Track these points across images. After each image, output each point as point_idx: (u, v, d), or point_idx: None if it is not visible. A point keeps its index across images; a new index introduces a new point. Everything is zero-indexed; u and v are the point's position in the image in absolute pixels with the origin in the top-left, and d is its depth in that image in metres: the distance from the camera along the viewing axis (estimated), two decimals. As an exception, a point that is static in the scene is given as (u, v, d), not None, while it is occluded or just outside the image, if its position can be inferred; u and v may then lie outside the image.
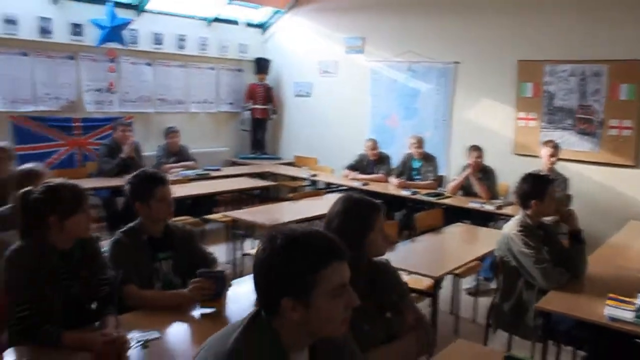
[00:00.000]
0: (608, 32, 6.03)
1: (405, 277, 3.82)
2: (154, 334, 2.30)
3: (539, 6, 6.47)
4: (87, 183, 6.02)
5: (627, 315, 2.73)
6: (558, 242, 3.50)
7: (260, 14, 9.06)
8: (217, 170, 7.14)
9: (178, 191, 5.76)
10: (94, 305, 2.45)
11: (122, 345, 2.13)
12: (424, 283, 3.69)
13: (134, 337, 2.26)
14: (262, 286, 1.45)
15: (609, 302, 2.84)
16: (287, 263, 1.40)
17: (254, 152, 8.82)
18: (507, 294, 3.41)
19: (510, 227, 3.41)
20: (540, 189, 3.36)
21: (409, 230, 4.77)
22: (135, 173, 2.96)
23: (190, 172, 6.65)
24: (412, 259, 3.86)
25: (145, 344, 2.23)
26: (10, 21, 6.44)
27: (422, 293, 3.67)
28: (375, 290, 2.18)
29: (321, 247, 1.43)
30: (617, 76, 6.05)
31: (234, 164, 8.43)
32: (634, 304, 2.79)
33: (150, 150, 7.12)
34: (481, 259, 4.09)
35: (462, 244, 4.47)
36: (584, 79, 6.26)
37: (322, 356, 1.56)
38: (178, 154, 6.99)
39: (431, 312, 3.52)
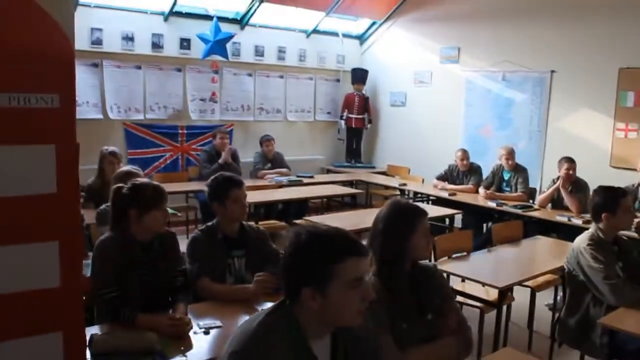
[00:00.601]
0: None
1: (469, 286, 3.90)
2: (216, 323, 2.53)
3: (643, 12, 6.20)
4: (188, 186, 6.55)
5: (698, 336, 2.64)
6: (635, 258, 3.40)
7: (357, 26, 9.28)
8: (310, 177, 7.38)
9: (270, 196, 6.18)
10: (168, 294, 2.75)
11: (184, 328, 2.40)
12: (493, 294, 3.71)
13: (199, 323, 2.52)
14: (286, 276, 1.63)
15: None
16: (308, 255, 1.57)
17: (349, 160, 9.02)
18: (574, 309, 3.35)
19: (581, 241, 3.36)
20: (611, 201, 3.28)
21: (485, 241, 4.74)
22: (213, 177, 3.26)
23: (283, 179, 6.95)
24: (480, 268, 3.89)
25: (207, 330, 2.47)
26: (129, 38, 7.08)
27: (487, 303, 3.68)
28: (418, 292, 2.29)
29: (340, 243, 1.59)
30: None
31: (329, 171, 8.68)
32: None
33: (249, 156, 7.52)
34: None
35: (537, 257, 4.40)
36: (690, 87, 5.93)
37: (344, 347, 1.70)
38: (273, 161, 7.34)
39: (495, 323, 3.53)
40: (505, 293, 3.56)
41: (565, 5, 6.87)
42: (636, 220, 3.71)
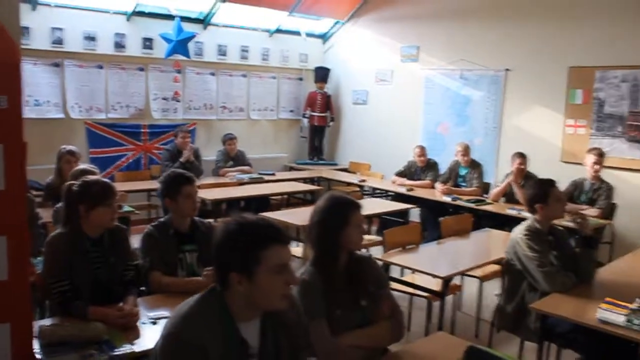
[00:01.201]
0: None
1: (419, 277, 4.07)
2: (164, 314, 2.64)
3: (590, 12, 6.44)
4: (150, 185, 6.61)
5: (618, 318, 2.79)
6: (569, 247, 3.60)
7: (320, 25, 9.41)
8: (271, 174, 7.51)
9: (231, 193, 6.28)
10: (119, 287, 2.85)
11: (132, 319, 2.52)
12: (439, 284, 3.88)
13: (148, 315, 2.63)
14: (216, 263, 1.76)
15: (603, 305, 2.92)
16: (235, 243, 1.70)
17: (311, 158, 9.16)
18: (511, 296, 3.54)
19: (518, 231, 3.54)
20: (542, 192, 3.47)
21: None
22: (166, 173, 3.37)
23: (245, 176, 7.06)
24: (428, 260, 4.06)
25: (155, 321, 2.59)
26: (90, 38, 7.10)
27: (435, 293, 3.84)
28: (353, 280, 2.42)
29: (264, 231, 1.73)
30: (670, 83, 5.95)
31: (291, 169, 8.82)
32: (628, 308, 2.87)
33: (212, 155, 7.61)
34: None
35: (483, 249, 4.58)
36: (636, 85, 6.18)
37: (273, 330, 1.83)
38: (235, 159, 7.45)
39: (439, 311, 3.69)
40: (449, 283, 3.72)
41: (518, 6, 7.11)
42: (568, 208, 3.91)
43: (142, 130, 7.59)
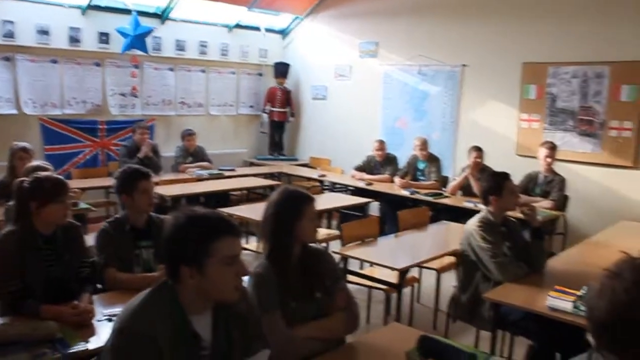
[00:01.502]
0: (610, 33, 6.12)
1: (378, 270, 4.13)
2: (119, 310, 2.62)
3: (543, 9, 6.60)
4: (108, 181, 6.48)
5: (567, 305, 2.90)
6: (522, 238, 3.70)
7: (280, 21, 9.40)
8: (231, 170, 7.49)
9: (190, 189, 6.24)
10: (73, 285, 2.82)
11: (86, 316, 2.49)
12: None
13: (103, 312, 2.61)
14: (166, 256, 1.76)
15: (552, 293, 3.03)
16: (185, 235, 1.71)
17: (272, 153, 9.16)
18: (466, 287, 3.63)
19: (472, 223, 3.63)
20: (496, 185, 3.56)
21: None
22: (121, 169, 3.34)
23: (204, 172, 7.02)
24: (385, 252, 4.12)
25: (110, 318, 2.56)
26: (43, 32, 6.94)
27: (392, 285, 3.90)
28: (307, 273, 2.45)
29: (214, 223, 1.73)
30: (619, 77, 6.13)
31: (252, 164, 8.80)
32: (575, 295, 2.98)
33: (171, 151, 7.55)
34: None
35: (440, 241, 4.66)
36: (585, 80, 6.37)
37: (225, 322, 1.84)
38: (195, 155, 7.40)
39: (396, 303, 3.76)
40: (405, 275, 3.78)
41: (475, 4, 7.24)
42: (522, 200, 4.03)
43: (100, 126, 7.46)
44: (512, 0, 6.89)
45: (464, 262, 3.66)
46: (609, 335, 1.39)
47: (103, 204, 6.68)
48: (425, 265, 4.40)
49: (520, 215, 3.93)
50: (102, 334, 2.42)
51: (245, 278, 1.98)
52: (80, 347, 2.29)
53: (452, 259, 4.42)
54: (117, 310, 2.59)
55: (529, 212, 3.63)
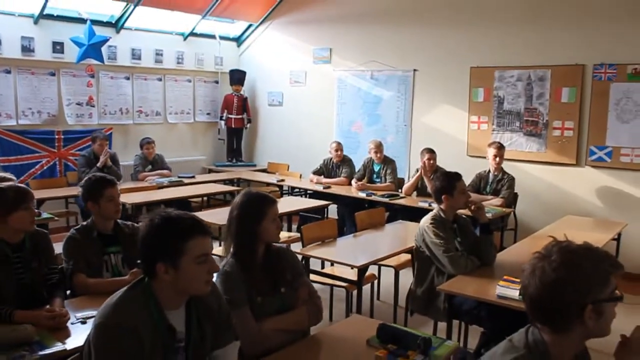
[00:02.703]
0: (550, 40, 6.49)
1: (338, 269, 4.30)
2: (92, 313, 2.71)
3: (490, 17, 6.93)
4: (67, 191, 6.52)
5: (514, 293, 3.12)
6: (472, 233, 3.93)
7: (234, 28, 9.53)
8: (191, 177, 7.56)
9: (151, 197, 6.30)
10: (43, 291, 2.90)
11: (61, 319, 2.58)
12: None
13: (76, 315, 2.70)
14: (143, 255, 1.90)
15: (501, 282, 3.26)
16: (161, 235, 1.85)
17: (230, 159, 9.25)
18: (421, 281, 3.84)
19: (425, 220, 3.84)
20: (448, 185, 3.78)
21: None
22: (87, 177, 3.42)
23: (164, 180, 7.08)
24: (344, 252, 4.31)
25: (84, 320, 2.66)
26: (-5, 41, 6.91)
27: (351, 282, 4.08)
28: (271, 269, 2.61)
29: (187, 224, 1.89)
30: (559, 80, 6.49)
31: (210, 171, 8.89)
32: (521, 283, 3.21)
33: (129, 159, 7.58)
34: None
35: (396, 239, 4.86)
36: (529, 83, 6.71)
37: (197, 315, 1.99)
38: (154, 163, 7.45)
39: (357, 299, 3.94)
40: (364, 272, 3.96)
41: (423, 11, 7.52)
42: (474, 198, 4.26)
43: (56, 136, 7.43)
44: (460, 7, 7.19)
45: (419, 257, 3.87)
46: (540, 310, 1.60)
47: (63, 214, 6.67)
48: (383, 263, 4.59)
49: (470, 213, 4.17)
50: (76, 335, 2.52)
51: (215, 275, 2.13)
52: (57, 347, 2.38)
53: (408, 256, 4.64)
54: (89, 313, 2.71)
55: (477, 209, 3.86)
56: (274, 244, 2.69)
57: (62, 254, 3.16)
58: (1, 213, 2.79)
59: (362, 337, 2.48)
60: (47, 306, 2.73)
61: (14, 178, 4.01)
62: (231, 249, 2.58)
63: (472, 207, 3.85)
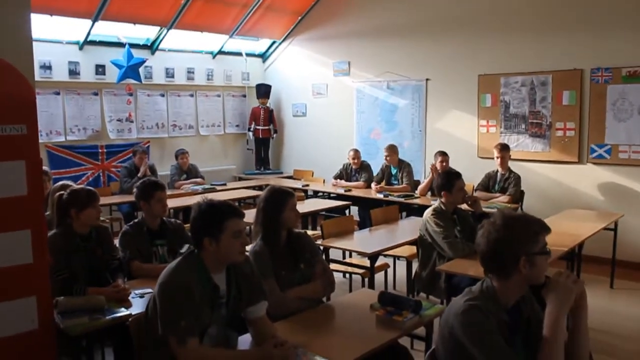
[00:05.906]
0: (551, 47, 6.98)
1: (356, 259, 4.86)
2: (148, 290, 3.35)
3: (495, 28, 7.47)
4: (111, 200, 7.20)
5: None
6: (470, 223, 4.46)
7: (259, 45, 10.22)
8: (223, 184, 8.22)
9: (187, 202, 6.94)
10: (106, 274, 3.54)
11: (124, 292, 3.22)
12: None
13: (135, 292, 3.33)
14: (192, 232, 2.50)
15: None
16: (207, 216, 2.45)
17: (258, 168, 9.91)
18: (425, 264, 4.39)
19: (427, 212, 4.40)
20: (448, 182, 4.34)
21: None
22: (141, 181, 4.07)
23: (198, 187, 7.74)
24: (359, 243, 4.87)
25: (142, 295, 3.29)
26: (46, 67, 7.67)
27: (365, 269, 4.64)
28: (292, 249, 3.21)
29: (225, 209, 2.48)
30: (560, 84, 6.98)
31: (240, 179, 9.54)
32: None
33: (166, 169, 8.29)
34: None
35: (406, 233, 5.33)
36: (533, 88, 7.20)
37: (235, 278, 2.59)
38: (188, 172, 8.12)
39: (368, 283, 4.49)
40: (375, 259, 4.48)
41: (434, 23, 8.08)
42: (482, 195, 4.79)
43: (100, 150, 8.18)
44: (467, 20, 7.74)
45: (423, 244, 4.43)
46: (488, 262, 2.15)
47: (108, 220, 7.35)
48: (396, 253, 5.14)
49: (470, 208, 4.68)
50: (137, 305, 3.14)
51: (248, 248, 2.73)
52: (124, 312, 3.02)
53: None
54: (145, 290, 3.34)
55: (473, 202, 4.41)
56: (295, 230, 3.29)
57: (118, 246, 3.80)
58: (75, 209, 3.44)
59: (366, 304, 3.03)
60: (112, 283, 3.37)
61: (75, 183, 4.67)
62: (260, 234, 3.18)
63: (469, 202, 4.39)
